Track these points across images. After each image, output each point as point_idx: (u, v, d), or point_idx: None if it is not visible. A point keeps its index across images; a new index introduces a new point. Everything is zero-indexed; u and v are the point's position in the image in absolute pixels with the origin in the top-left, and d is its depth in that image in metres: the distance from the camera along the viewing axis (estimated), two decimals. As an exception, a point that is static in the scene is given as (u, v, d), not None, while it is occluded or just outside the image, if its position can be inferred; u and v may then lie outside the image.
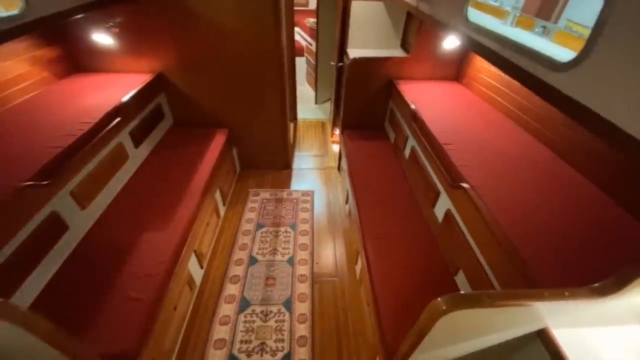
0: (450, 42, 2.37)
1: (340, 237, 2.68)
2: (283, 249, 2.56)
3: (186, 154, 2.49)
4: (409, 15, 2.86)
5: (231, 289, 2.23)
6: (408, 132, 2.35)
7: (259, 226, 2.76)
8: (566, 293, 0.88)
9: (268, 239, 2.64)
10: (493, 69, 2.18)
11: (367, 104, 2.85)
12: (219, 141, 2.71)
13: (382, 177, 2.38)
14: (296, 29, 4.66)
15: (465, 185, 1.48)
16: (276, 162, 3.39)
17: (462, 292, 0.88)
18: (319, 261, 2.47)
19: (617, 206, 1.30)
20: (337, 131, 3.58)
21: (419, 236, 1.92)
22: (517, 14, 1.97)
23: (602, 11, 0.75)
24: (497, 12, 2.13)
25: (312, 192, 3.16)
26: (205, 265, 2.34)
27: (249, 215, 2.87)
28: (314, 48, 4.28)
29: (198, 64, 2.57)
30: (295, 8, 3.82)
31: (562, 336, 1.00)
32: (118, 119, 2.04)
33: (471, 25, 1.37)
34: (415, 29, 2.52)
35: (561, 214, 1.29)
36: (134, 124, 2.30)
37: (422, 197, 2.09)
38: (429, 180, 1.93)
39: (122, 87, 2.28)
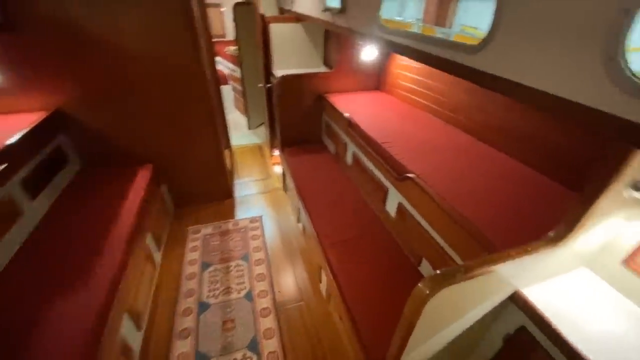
0: (369, 54, 2.56)
1: (299, 257, 2.53)
2: (237, 284, 2.29)
3: (102, 200, 2.10)
4: (327, 34, 3.04)
5: (182, 346, 1.88)
6: (346, 139, 2.40)
7: (205, 265, 2.45)
8: (529, 248, 0.91)
9: (218, 278, 2.34)
10: (409, 74, 2.41)
11: (302, 120, 2.86)
12: (142, 180, 2.37)
13: (330, 187, 2.36)
14: (218, 58, 4.58)
15: (410, 175, 1.53)
16: (215, 193, 3.12)
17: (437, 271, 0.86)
18: (280, 289, 2.27)
19: (537, 173, 1.48)
20: (277, 152, 3.51)
21: (376, 236, 1.90)
22: (421, 25, 2.24)
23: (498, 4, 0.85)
24: (404, 25, 2.39)
25: (261, 217, 2.97)
26: (144, 325, 1.94)
27: (192, 256, 2.54)
28: (238, 74, 4.23)
29: (107, 94, 2.27)
30: (214, 40, 3.75)
31: (530, 294, 1.04)
32: (3, 166, 1.63)
33: (387, 30, 1.48)
34: (335, 45, 2.67)
35: (495, 185, 1.41)
36: (25, 172, 1.87)
37: (372, 197, 2.11)
38: (376, 180, 1.96)
39: (5, 129, 1.85)
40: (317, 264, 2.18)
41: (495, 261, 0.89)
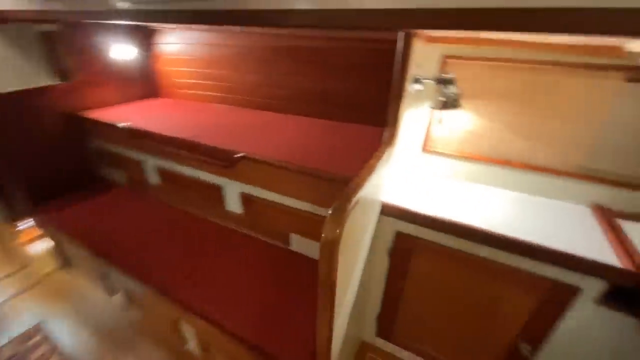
0: (122, 52, 2.06)
1: (137, 336, 1.76)
2: None
3: None
4: (49, 35, 2.19)
5: None
6: (141, 156, 1.84)
7: None
8: (378, 154, 0.97)
9: None
10: (184, 69, 2.15)
11: (52, 158, 1.94)
12: None
13: (141, 224, 1.75)
14: None
15: (241, 154, 1.33)
16: None
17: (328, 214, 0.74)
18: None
19: (342, 122, 1.69)
20: (25, 223, 2.26)
21: (228, 244, 1.59)
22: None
23: None
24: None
25: (42, 323, 1.83)
26: None
27: None
28: None
29: None
30: None
31: (389, 199, 1.13)
32: None
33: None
34: (66, 48, 1.95)
35: (317, 138, 1.48)
36: None
37: (205, 205, 1.74)
38: (203, 182, 1.62)
39: None
40: (170, 321, 1.57)
41: (363, 180, 0.88)
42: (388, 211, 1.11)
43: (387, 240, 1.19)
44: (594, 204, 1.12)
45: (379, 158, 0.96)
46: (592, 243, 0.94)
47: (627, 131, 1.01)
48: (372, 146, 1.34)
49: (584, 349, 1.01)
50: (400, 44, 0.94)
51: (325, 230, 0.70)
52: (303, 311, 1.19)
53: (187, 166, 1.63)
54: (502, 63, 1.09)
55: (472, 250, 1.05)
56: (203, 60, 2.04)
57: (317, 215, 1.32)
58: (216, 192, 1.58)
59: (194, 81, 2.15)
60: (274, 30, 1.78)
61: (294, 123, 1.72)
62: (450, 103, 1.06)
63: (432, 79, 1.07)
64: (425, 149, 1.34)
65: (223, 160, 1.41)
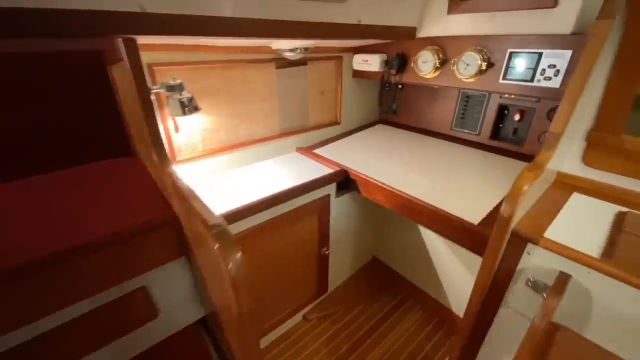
0: None
1: None
2: None
3: None
4: None
5: None
6: None
7: None
8: (173, 176, 0.84)
9: None
10: None
11: None
12: None
13: None
14: None
15: None
16: None
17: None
18: None
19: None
20: None
21: None
22: None
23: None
24: None
25: None
26: None
27: None
28: None
29: None
30: None
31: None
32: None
33: None
34: None
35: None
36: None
37: None
38: None
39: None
40: None
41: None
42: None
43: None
44: (297, 148, 1.70)
45: (177, 178, 0.84)
46: (314, 168, 1.48)
47: (287, 99, 1.59)
48: (126, 179, 1.07)
49: (343, 221, 1.66)
50: (123, 51, 0.78)
51: (223, 255, 0.60)
52: None
53: None
54: (202, 65, 1.23)
55: (269, 216, 1.27)
56: None
57: (125, 295, 0.91)
58: None
59: None
60: None
61: None
62: (190, 107, 1.08)
63: (159, 89, 1.01)
64: (175, 161, 1.27)
65: None
